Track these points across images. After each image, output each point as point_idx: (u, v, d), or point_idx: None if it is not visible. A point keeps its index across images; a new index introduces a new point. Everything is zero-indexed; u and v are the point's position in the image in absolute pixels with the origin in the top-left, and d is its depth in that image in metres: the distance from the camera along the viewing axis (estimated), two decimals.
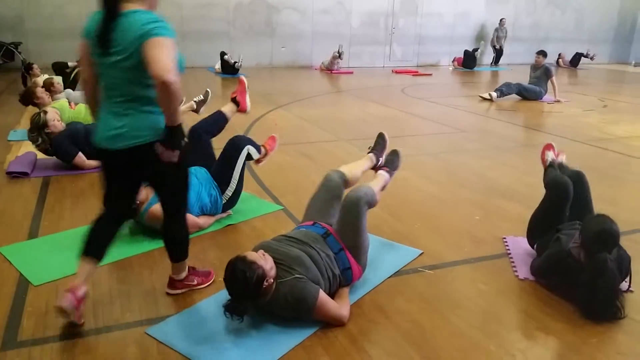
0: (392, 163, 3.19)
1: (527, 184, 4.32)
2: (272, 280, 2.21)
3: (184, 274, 2.56)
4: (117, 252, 2.98)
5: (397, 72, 13.58)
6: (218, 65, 11.99)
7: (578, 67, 15.84)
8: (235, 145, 3.54)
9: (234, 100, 3.82)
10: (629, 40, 18.51)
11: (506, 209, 3.81)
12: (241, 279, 2.12)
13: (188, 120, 5.65)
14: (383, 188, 3.00)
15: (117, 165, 2.25)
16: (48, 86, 6.19)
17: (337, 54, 13.07)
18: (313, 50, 14.08)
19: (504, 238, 3.28)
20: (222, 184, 3.45)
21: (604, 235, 2.40)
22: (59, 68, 7.86)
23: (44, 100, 5.67)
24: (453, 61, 15.08)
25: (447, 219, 3.61)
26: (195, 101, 4.43)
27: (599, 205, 3.02)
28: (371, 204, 2.65)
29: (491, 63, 15.84)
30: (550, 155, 3.32)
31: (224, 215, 3.51)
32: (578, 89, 11.05)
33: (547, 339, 2.29)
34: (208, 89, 4.41)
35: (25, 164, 4.48)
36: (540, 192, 3.09)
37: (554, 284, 2.63)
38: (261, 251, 2.29)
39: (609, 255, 2.39)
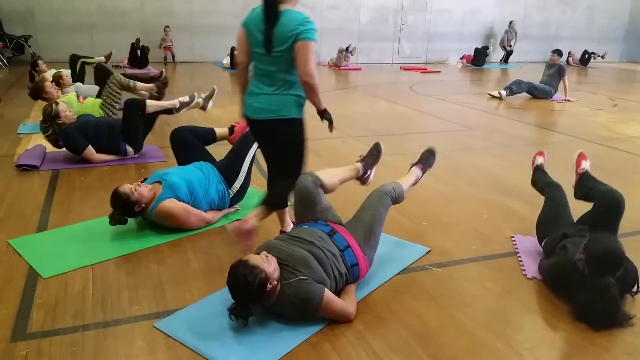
0: (427, 161, 3.20)
1: None
2: (275, 282, 2.19)
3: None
4: (126, 246, 3.01)
5: (405, 69, 13.54)
6: (226, 61, 11.98)
7: (588, 65, 15.74)
8: (246, 140, 3.59)
9: (231, 128, 4.04)
10: None
11: (514, 207, 3.79)
12: (243, 284, 2.10)
13: (187, 121, 5.58)
14: (414, 183, 3.07)
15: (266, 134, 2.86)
16: (57, 79, 6.23)
17: (344, 50, 13.05)
18: (321, 46, 14.05)
19: (512, 236, 3.27)
20: (230, 177, 3.48)
21: (610, 255, 2.36)
22: (73, 60, 7.81)
23: (52, 95, 5.72)
24: (462, 58, 15.01)
25: (455, 216, 3.61)
26: (199, 100, 4.51)
27: None
28: (397, 200, 2.72)
29: (500, 61, 15.77)
30: (539, 160, 3.47)
31: (232, 210, 3.54)
32: (588, 87, 10.98)
33: (554, 338, 2.28)
34: (214, 86, 4.49)
35: (35, 157, 4.51)
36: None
37: (556, 293, 2.60)
38: (264, 253, 2.26)
39: (612, 280, 2.31)
